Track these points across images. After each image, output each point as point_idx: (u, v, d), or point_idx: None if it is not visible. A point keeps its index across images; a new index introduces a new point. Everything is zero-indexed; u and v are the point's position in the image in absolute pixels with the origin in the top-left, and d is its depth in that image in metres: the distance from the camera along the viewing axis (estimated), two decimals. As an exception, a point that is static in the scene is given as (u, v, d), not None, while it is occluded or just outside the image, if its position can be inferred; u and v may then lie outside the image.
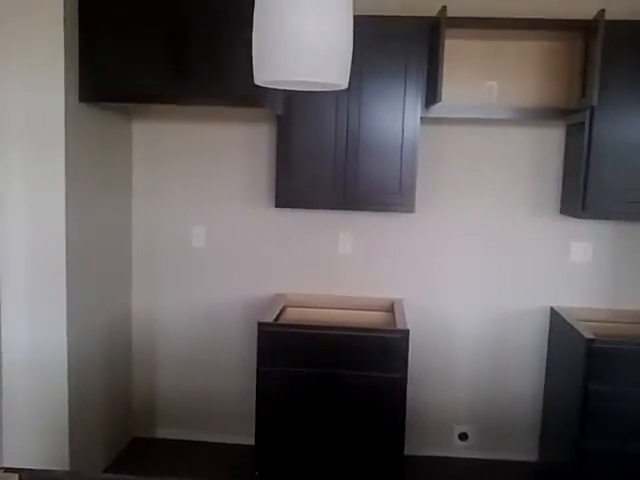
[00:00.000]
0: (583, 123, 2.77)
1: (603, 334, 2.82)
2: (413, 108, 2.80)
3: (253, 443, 2.81)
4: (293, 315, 3.10)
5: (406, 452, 3.21)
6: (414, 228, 3.18)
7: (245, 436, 3.17)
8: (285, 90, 2.65)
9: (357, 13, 2.65)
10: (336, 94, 2.78)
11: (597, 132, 2.74)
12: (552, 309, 3.15)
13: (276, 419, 2.77)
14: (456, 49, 2.90)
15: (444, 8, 2.57)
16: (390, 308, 3.11)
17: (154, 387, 3.37)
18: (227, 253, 3.24)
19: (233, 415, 3.31)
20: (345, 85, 0.85)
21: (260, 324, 2.71)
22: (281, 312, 3.00)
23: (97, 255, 2.85)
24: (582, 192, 2.81)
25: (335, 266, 3.23)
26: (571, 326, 2.84)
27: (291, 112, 2.84)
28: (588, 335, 2.67)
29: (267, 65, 0.77)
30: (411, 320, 3.14)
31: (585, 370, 2.64)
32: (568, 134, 3.03)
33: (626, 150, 2.76)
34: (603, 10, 2.51)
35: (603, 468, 2.72)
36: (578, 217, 2.92)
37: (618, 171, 2.77)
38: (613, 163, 2.75)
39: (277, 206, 2.91)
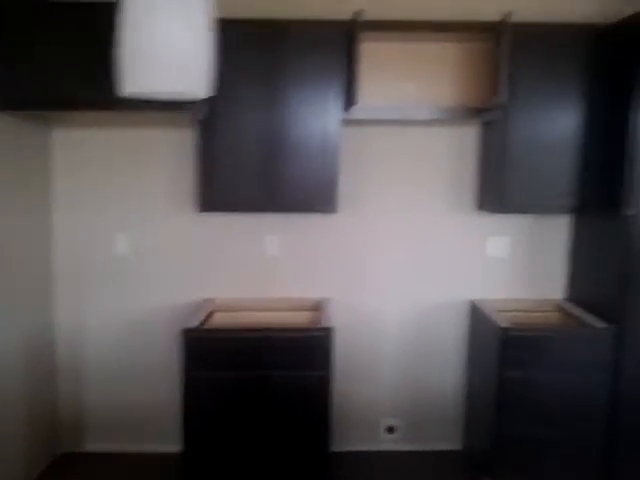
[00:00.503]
0: (496, 121, 2.90)
1: (519, 323, 2.97)
2: (334, 111, 2.85)
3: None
4: (222, 319, 3.11)
5: (334, 448, 3.28)
6: (339, 228, 3.25)
7: (176, 444, 3.15)
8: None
9: (275, 17, 2.74)
10: (259, 98, 2.83)
11: (509, 130, 2.87)
12: (472, 302, 3.28)
13: (203, 424, 2.77)
14: (376, 52, 2.97)
15: (359, 12, 2.64)
16: (317, 307, 3.17)
17: (82, 400, 3.31)
18: (153, 260, 3.22)
19: (164, 423, 3.29)
20: (203, 95, 0.88)
21: (184, 330, 2.71)
22: (208, 317, 3.01)
23: (11, 268, 2.78)
24: (496, 188, 2.95)
25: (263, 268, 3.26)
26: (488, 317, 2.98)
27: (213, 116, 2.84)
28: (502, 324, 2.81)
29: (127, 79, 0.80)
30: (338, 318, 3.23)
31: (500, 358, 2.78)
32: (483, 132, 3.16)
33: (537, 146, 2.89)
34: (508, 14, 2.65)
35: (520, 452, 2.87)
36: (494, 212, 3.07)
37: (530, 167, 2.90)
38: (525, 159, 2.89)
39: (201, 211, 2.91)
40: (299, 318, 3.14)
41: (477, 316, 3.19)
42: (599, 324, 2.85)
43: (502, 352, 2.78)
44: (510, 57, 2.78)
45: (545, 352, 2.79)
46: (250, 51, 2.80)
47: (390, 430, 3.40)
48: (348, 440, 3.38)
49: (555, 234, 3.30)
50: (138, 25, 0.75)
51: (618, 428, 2.83)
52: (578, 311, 3.08)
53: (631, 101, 2.66)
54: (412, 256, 3.30)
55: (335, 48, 2.79)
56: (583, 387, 2.81)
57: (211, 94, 0.93)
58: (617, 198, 2.75)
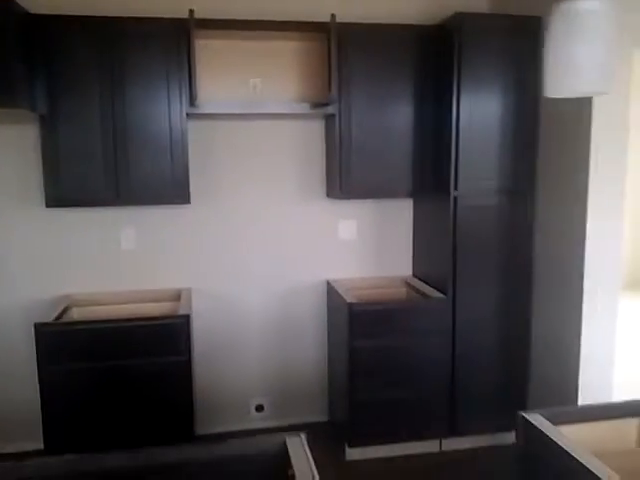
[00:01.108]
0: (334, 115, 3.11)
1: (365, 299, 3.21)
2: (177, 105, 2.93)
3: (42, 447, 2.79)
4: (79, 314, 3.10)
5: (204, 431, 3.38)
6: (195, 219, 3.33)
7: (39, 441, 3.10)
8: (47, 89, 2.66)
9: (113, 14, 2.76)
10: (100, 92, 2.85)
11: (344, 122, 3.10)
12: (327, 282, 3.50)
13: (64, 419, 2.77)
14: (222, 48, 3.09)
15: (191, 11, 2.75)
16: (177, 297, 3.24)
17: None
18: (3, 257, 3.14)
19: (25, 421, 3.22)
20: None
21: (37, 325, 2.70)
22: (64, 312, 2.99)
23: None
24: (338, 176, 3.16)
25: (120, 262, 3.28)
26: (339, 294, 3.19)
27: (55, 112, 2.84)
28: (349, 300, 3.03)
29: None
30: (200, 306, 3.33)
31: (349, 330, 3.01)
32: (326, 125, 3.37)
33: (372, 138, 3.14)
34: (333, 15, 2.86)
35: (374, 415, 3.11)
36: (340, 198, 3.28)
37: (367, 156, 3.15)
38: (362, 149, 3.13)
39: (48, 206, 2.89)
40: (159, 309, 3.19)
41: (332, 294, 3.41)
42: (435, 295, 3.16)
43: (350, 325, 3.00)
44: (344, 55, 3.01)
45: (389, 322, 3.05)
46: (90, 47, 2.82)
47: (259, 408, 3.55)
48: (218, 422, 3.48)
49: (400, 216, 3.58)
50: None
51: (455, 379, 3.15)
52: (421, 285, 3.38)
53: (450, 97, 2.95)
54: (269, 243, 3.45)
55: (173, 45, 2.87)
56: (425, 350, 3.10)
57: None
58: (444, 183, 3.06)
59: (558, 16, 1.01)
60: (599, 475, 1.47)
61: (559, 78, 1.05)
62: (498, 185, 3.05)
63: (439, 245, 3.19)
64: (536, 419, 1.74)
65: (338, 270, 3.55)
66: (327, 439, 3.40)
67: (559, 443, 1.60)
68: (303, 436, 1.67)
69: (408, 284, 3.51)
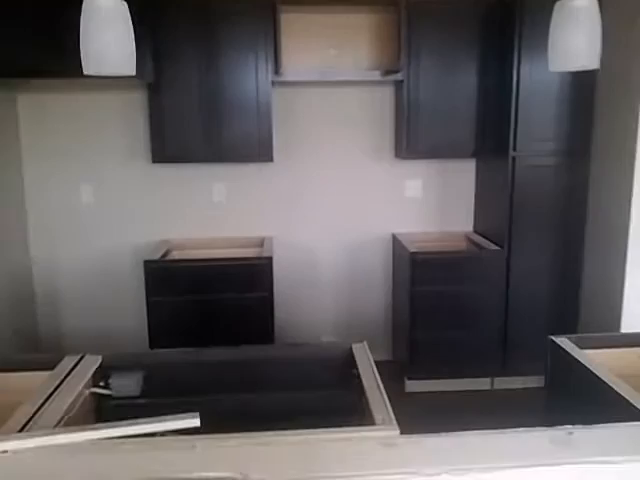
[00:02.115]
0: (404, 81, 3.42)
1: (426, 249, 3.54)
2: (264, 73, 3.34)
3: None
4: (179, 255, 3.61)
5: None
6: (277, 176, 3.76)
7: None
8: (153, 61, 3.12)
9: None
10: (198, 64, 3.30)
11: (413, 88, 3.42)
12: (393, 235, 3.86)
13: (166, 342, 3.28)
14: (304, 22, 3.46)
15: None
16: (261, 244, 3.69)
17: (59, 325, 3.80)
18: (115, 206, 3.70)
19: (133, 344, 3.78)
20: (133, 72, 1.31)
21: (146, 262, 3.22)
22: (167, 253, 3.51)
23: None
24: (407, 137, 3.49)
25: (212, 212, 3.77)
26: (403, 245, 3.55)
27: (160, 80, 3.31)
28: (412, 249, 3.39)
29: (86, 64, 1.27)
30: (280, 253, 3.77)
31: (411, 277, 3.37)
32: (396, 91, 3.68)
33: (439, 102, 3.45)
34: None
35: (433, 354, 3.48)
36: (407, 158, 3.62)
37: (434, 119, 3.46)
38: (429, 113, 3.44)
39: (154, 162, 3.39)
40: (245, 253, 3.65)
41: (397, 246, 3.77)
42: (492, 247, 3.46)
43: (412, 272, 3.37)
44: (412, 27, 3.31)
45: (447, 271, 3.40)
46: (189, 23, 3.26)
47: (328, 346, 3.99)
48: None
49: (464, 176, 3.87)
50: (91, 30, 1.20)
51: (508, 324, 3.46)
52: (480, 240, 3.68)
53: (511, 63, 3.20)
54: (342, 198, 3.84)
55: (260, 19, 3.26)
56: (481, 297, 3.43)
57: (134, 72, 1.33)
58: (503, 144, 3.32)
59: (557, 11, 1.36)
60: (619, 391, 1.75)
61: (558, 57, 1.38)
62: (554, 146, 3.30)
63: (498, 202, 3.47)
64: (563, 342, 2.06)
65: (404, 225, 3.89)
66: (389, 374, 3.76)
67: (583, 363, 1.92)
68: (365, 343, 2.06)
69: (468, 238, 3.81)
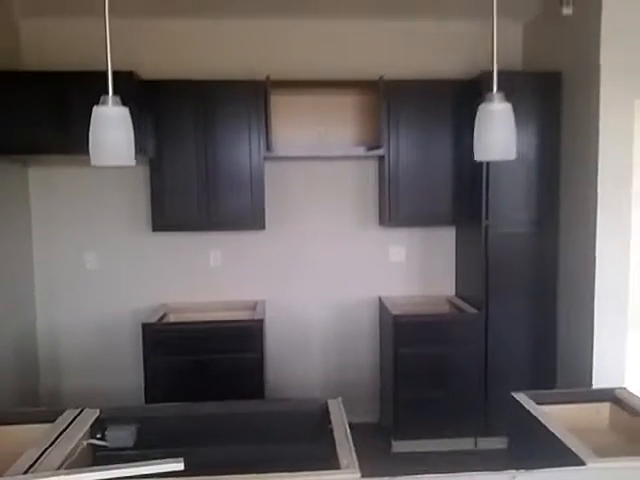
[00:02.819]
0: (385, 156, 3.73)
1: (409, 312, 3.74)
2: (256, 149, 3.65)
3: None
4: (175, 318, 3.82)
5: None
6: (269, 243, 4.01)
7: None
8: (155, 138, 3.42)
9: (205, 78, 3.49)
10: (195, 140, 3.61)
11: (394, 162, 3.72)
12: (380, 298, 4.07)
13: (161, 398, 3.44)
14: (293, 103, 3.80)
15: (268, 77, 3.48)
16: (254, 307, 3.90)
17: (60, 387, 3.96)
18: (116, 272, 3.94)
19: (131, 403, 3.94)
20: (133, 162, 1.59)
21: (143, 324, 3.43)
22: (163, 316, 3.72)
23: (2, 279, 3.47)
24: (389, 207, 3.77)
25: (208, 277, 4.00)
26: (387, 308, 3.76)
27: (161, 156, 3.62)
28: (394, 312, 3.60)
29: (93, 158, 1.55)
30: (272, 315, 3.98)
31: (394, 338, 3.56)
32: (379, 165, 3.98)
33: (418, 175, 3.75)
34: (382, 77, 3.53)
35: (415, 412, 3.63)
36: (391, 227, 3.88)
37: (413, 190, 3.75)
38: (406, 185, 3.73)
39: (154, 230, 3.66)
40: (238, 316, 3.86)
41: (382, 309, 3.97)
42: (470, 310, 3.67)
43: (395, 334, 3.56)
44: (391, 107, 3.64)
45: (429, 332, 3.60)
46: (187, 105, 3.59)
47: (318, 407, 4.13)
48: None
49: (445, 242, 4.12)
50: (99, 131, 1.48)
51: (488, 384, 3.62)
52: (461, 303, 3.89)
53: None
54: (330, 264, 4.08)
55: (253, 102, 3.60)
56: (461, 357, 3.61)
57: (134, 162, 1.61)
58: (477, 213, 3.59)
59: (480, 112, 1.66)
60: (569, 446, 1.93)
61: (481, 150, 1.67)
62: (525, 216, 3.56)
63: (475, 267, 3.70)
64: (522, 398, 2.24)
65: (389, 289, 4.11)
66: (376, 435, 3.93)
67: (536, 416, 2.10)
68: (339, 399, 2.25)
69: (450, 302, 4.02)
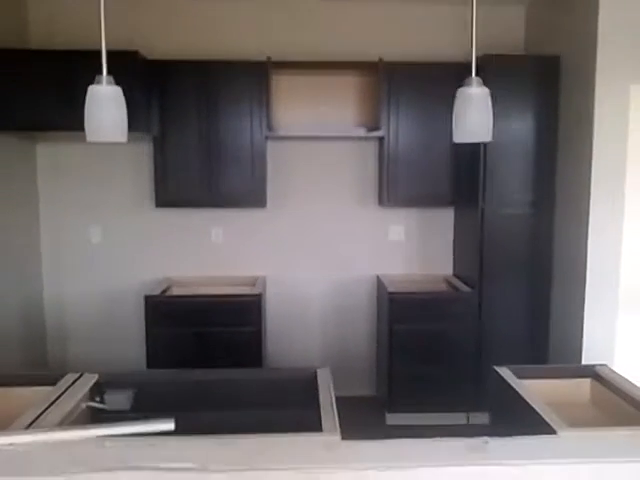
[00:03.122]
0: (385, 137, 3.78)
1: (405, 289, 3.82)
2: (258, 129, 3.72)
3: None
4: (177, 291, 3.93)
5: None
6: (270, 220, 4.10)
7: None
8: (159, 116, 3.49)
9: (209, 58, 3.56)
10: (198, 119, 3.68)
11: (393, 143, 3.78)
12: (377, 276, 4.15)
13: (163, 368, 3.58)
14: (294, 83, 3.87)
15: (269, 58, 3.55)
16: (254, 282, 4.00)
17: (67, 354, 4.10)
18: (120, 246, 4.05)
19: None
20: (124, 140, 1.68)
21: (146, 297, 3.54)
22: (167, 289, 3.83)
23: (11, 251, 3.59)
24: (388, 188, 3.83)
25: (210, 253, 4.10)
26: (384, 285, 3.85)
27: (164, 134, 3.70)
28: (390, 289, 3.69)
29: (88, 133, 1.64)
30: (273, 290, 4.08)
31: (389, 314, 3.65)
32: (379, 145, 4.04)
33: (417, 156, 3.80)
34: (381, 59, 3.58)
35: (410, 387, 3.73)
36: (390, 206, 3.95)
37: (412, 171, 3.81)
38: (405, 166, 3.79)
39: (157, 206, 3.76)
40: (238, 291, 3.96)
41: (380, 286, 4.06)
42: (465, 289, 3.75)
43: (390, 310, 3.65)
44: (391, 88, 3.69)
45: (423, 310, 3.68)
46: (191, 84, 3.67)
47: (316, 381, 4.24)
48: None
49: (443, 223, 4.19)
50: (92, 109, 1.56)
51: (482, 361, 3.69)
52: (457, 282, 3.97)
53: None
54: (330, 242, 4.16)
55: (255, 82, 3.66)
56: (455, 335, 3.70)
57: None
58: (475, 195, 3.65)
59: (458, 96, 1.72)
60: (543, 416, 2.01)
61: (459, 132, 1.72)
62: (521, 198, 3.61)
63: (471, 248, 3.77)
64: (504, 372, 2.32)
65: (388, 267, 4.19)
66: (372, 407, 4.04)
67: (515, 388, 2.18)
68: (328, 368, 2.36)
69: (447, 281, 4.10)
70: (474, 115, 1.67)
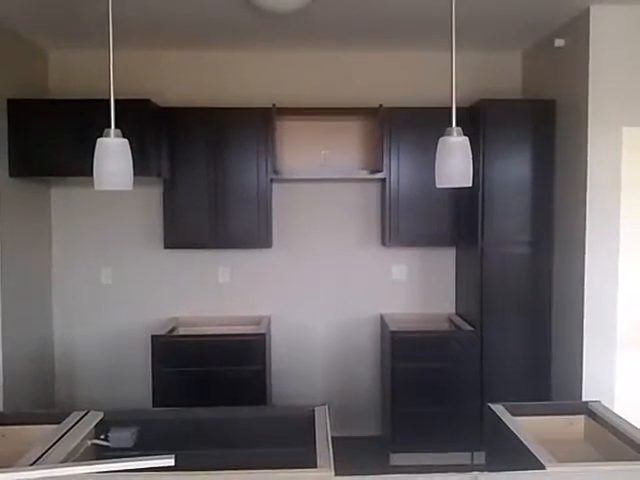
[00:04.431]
0: (386, 179, 3.90)
1: (407, 329, 3.87)
2: (264, 172, 3.85)
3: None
4: (184, 331, 4.01)
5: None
6: (275, 260, 4.19)
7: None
8: (169, 161, 3.64)
9: (216, 105, 3.70)
10: (207, 162, 3.83)
11: (394, 185, 3.89)
12: (381, 315, 4.21)
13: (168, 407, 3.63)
14: (298, 128, 4.02)
15: (274, 105, 3.70)
16: (259, 322, 4.07)
17: (75, 397, 4.17)
18: (130, 287, 4.16)
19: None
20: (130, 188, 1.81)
21: (153, 337, 3.63)
22: (173, 329, 3.92)
23: (24, 293, 3.71)
24: (390, 228, 3.93)
25: (217, 293, 4.20)
26: (387, 324, 3.91)
27: (174, 177, 3.85)
28: (393, 328, 3.74)
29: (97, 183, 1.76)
30: (277, 330, 4.15)
31: (391, 353, 3.70)
32: (381, 187, 4.15)
33: (418, 198, 3.90)
34: (381, 105, 3.73)
35: (412, 427, 3.75)
36: (392, 246, 4.04)
37: (414, 212, 3.91)
38: (406, 207, 3.89)
39: (166, 247, 3.88)
40: (244, 330, 4.03)
41: (383, 325, 4.12)
42: (466, 327, 3.80)
43: (392, 349, 3.70)
44: (392, 132, 3.83)
45: (425, 349, 3.73)
46: (200, 130, 3.83)
47: (321, 421, 4.27)
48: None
49: (445, 262, 4.26)
50: (101, 160, 1.70)
51: (484, 399, 3.69)
52: (459, 321, 4.02)
53: (477, 165, 3.65)
54: (334, 281, 4.24)
55: (261, 127, 3.82)
56: (457, 373, 3.73)
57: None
58: (474, 234, 3.73)
59: (440, 144, 1.84)
60: (533, 452, 2.04)
61: (441, 178, 1.84)
62: (519, 237, 3.69)
63: (472, 286, 3.83)
64: (498, 409, 2.36)
65: (391, 306, 4.26)
66: (376, 448, 4.05)
67: (508, 425, 2.23)
68: (326, 406, 2.40)
69: (450, 320, 4.15)
70: (454, 162, 1.78)
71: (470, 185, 1.87)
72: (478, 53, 4.08)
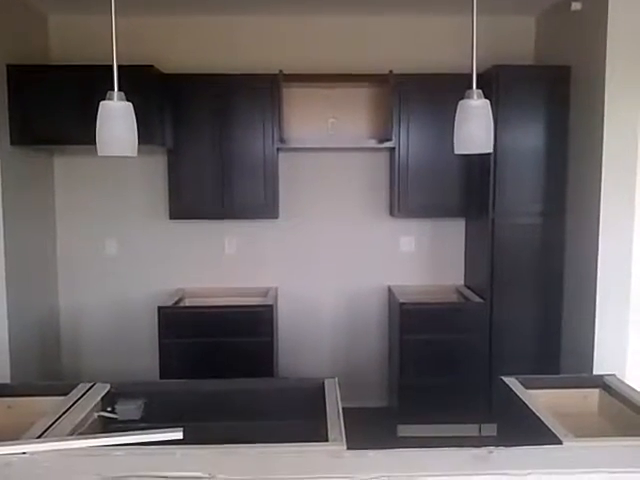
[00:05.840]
0: (395, 148, 3.81)
1: (416, 300, 3.82)
2: (270, 141, 3.77)
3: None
4: (190, 302, 3.97)
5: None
6: (282, 231, 4.13)
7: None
8: (173, 129, 3.56)
9: (221, 72, 3.60)
10: (211, 131, 3.74)
11: (403, 154, 3.80)
12: (389, 287, 4.17)
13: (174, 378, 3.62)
14: (305, 95, 3.91)
15: (280, 71, 3.59)
16: (266, 293, 4.03)
17: (80, 366, 4.16)
18: (135, 258, 4.11)
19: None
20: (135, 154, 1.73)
21: (159, 308, 3.59)
22: (180, 300, 3.88)
23: (28, 263, 3.66)
24: (399, 199, 3.86)
25: (223, 264, 4.15)
26: (395, 296, 3.86)
27: (179, 146, 3.77)
28: (401, 300, 3.70)
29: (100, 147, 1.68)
30: (284, 301, 4.11)
31: (400, 325, 3.66)
32: (390, 156, 4.06)
33: (427, 167, 3.82)
34: (391, 71, 3.61)
35: (420, 399, 3.72)
36: (401, 217, 3.97)
37: (422, 183, 3.83)
38: (415, 177, 3.81)
39: (171, 218, 3.82)
40: (250, 302, 3.99)
41: (391, 297, 4.07)
42: (476, 299, 3.75)
43: (401, 321, 3.66)
44: (401, 100, 3.72)
45: (434, 320, 3.69)
46: (205, 97, 3.73)
47: (328, 392, 4.26)
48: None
49: (454, 233, 4.19)
50: (104, 123, 1.63)
51: (493, 372, 3.67)
52: (468, 293, 3.97)
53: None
54: (341, 252, 4.18)
55: (267, 95, 3.71)
56: (466, 345, 3.69)
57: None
58: (485, 206, 3.65)
59: (459, 107, 1.75)
60: (549, 426, 2.00)
61: (460, 143, 1.76)
62: (531, 207, 3.61)
63: (481, 258, 3.77)
64: (511, 382, 2.32)
65: (399, 278, 4.20)
66: (383, 419, 4.04)
67: (522, 398, 2.19)
68: (336, 379, 2.38)
69: (458, 291, 4.10)
70: (474, 126, 1.70)
71: (491, 151, 1.78)
72: (490, 17, 3.93)
